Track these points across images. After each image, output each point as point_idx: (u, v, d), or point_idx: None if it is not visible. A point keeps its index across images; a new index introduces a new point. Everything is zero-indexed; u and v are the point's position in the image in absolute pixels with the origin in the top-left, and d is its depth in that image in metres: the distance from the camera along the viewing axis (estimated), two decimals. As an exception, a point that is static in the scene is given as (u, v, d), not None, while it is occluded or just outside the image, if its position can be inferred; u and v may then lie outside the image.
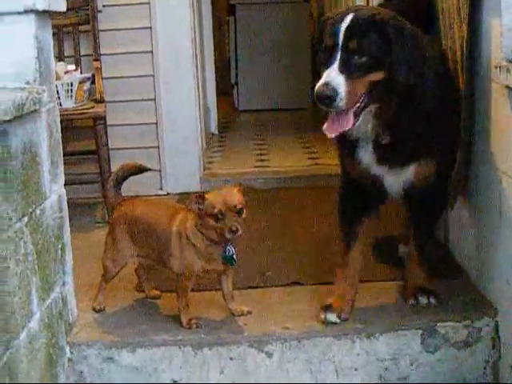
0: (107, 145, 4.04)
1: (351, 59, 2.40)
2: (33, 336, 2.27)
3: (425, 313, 2.73)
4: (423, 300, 2.79)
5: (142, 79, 4.60)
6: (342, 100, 2.37)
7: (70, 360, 2.64)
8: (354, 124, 2.47)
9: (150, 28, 4.57)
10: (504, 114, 2.48)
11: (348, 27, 2.43)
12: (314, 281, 3.09)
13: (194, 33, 4.76)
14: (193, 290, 2.77)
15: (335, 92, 2.35)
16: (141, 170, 2.97)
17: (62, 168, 2.70)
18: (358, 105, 2.44)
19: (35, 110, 2.34)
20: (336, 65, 2.39)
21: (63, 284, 2.66)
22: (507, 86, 2.39)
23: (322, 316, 2.70)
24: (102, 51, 4.40)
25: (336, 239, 2.93)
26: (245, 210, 2.60)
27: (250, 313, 2.79)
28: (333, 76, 2.37)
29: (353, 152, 2.71)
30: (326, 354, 2.65)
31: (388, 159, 2.66)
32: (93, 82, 4.24)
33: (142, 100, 4.62)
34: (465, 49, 2.66)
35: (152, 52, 4.59)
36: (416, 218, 2.93)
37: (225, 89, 8.88)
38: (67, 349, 2.64)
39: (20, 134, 2.25)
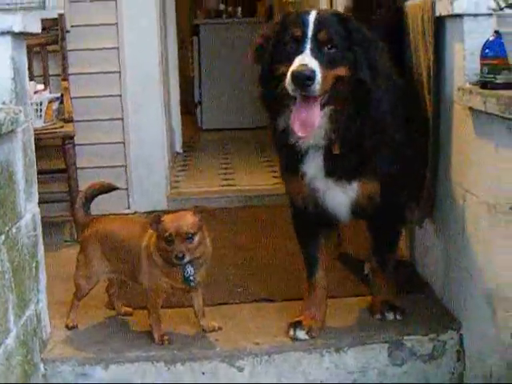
0: (75, 164, 4.06)
1: (321, 49, 2.44)
2: (9, 353, 2.30)
3: (391, 327, 2.81)
4: (389, 315, 2.86)
5: (110, 99, 4.64)
6: (318, 83, 2.38)
7: (43, 376, 2.67)
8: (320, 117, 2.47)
9: (118, 48, 4.61)
10: (467, 133, 2.58)
11: (316, 19, 2.47)
12: (282, 297, 3.15)
13: (162, 53, 4.82)
14: (166, 307, 2.82)
15: (313, 73, 2.37)
16: (109, 188, 3.01)
17: (35, 187, 2.74)
18: (321, 99, 2.46)
19: (12, 130, 2.38)
20: (308, 52, 2.41)
21: (37, 301, 2.69)
22: (470, 108, 2.49)
23: (292, 333, 2.76)
24: (71, 71, 4.43)
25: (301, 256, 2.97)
26: (198, 235, 2.62)
27: (220, 329, 2.84)
28: (308, 60, 2.39)
29: (298, 164, 2.68)
30: (296, 367, 2.71)
31: (336, 172, 2.65)
32: (61, 102, 4.27)
33: (110, 119, 4.66)
34: (431, 72, 2.75)
35: (120, 72, 4.63)
36: (373, 235, 2.97)
37: (188, 108, 8.94)
38: (41, 365, 2.66)
39: (-3, 153, 2.29)
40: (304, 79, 2.37)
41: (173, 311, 2.91)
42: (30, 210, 2.63)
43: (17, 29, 2.45)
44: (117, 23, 4.60)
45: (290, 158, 2.69)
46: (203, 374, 2.69)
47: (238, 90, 8.35)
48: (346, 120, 2.53)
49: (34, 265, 2.65)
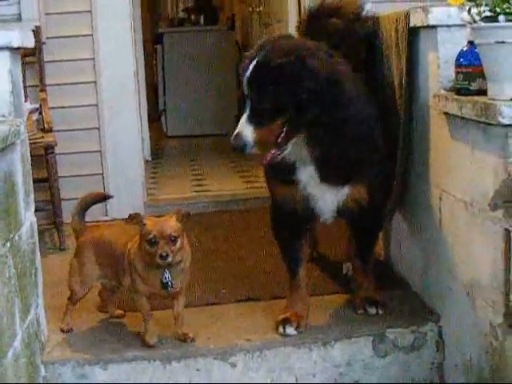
0: (57, 173, 4.16)
1: (257, 109, 2.59)
2: (17, 355, 2.40)
3: (374, 321, 2.96)
4: (372, 310, 3.02)
5: (86, 109, 4.74)
6: (252, 148, 2.59)
7: (44, 378, 2.76)
8: (280, 154, 2.66)
9: (94, 59, 4.71)
10: (443, 137, 2.75)
11: (250, 78, 2.61)
12: (266, 296, 3.28)
13: (136, 63, 4.93)
14: (161, 309, 2.94)
15: (244, 142, 2.57)
16: (104, 197, 3.13)
17: (32, 196, 2.84)
18: (280, 139, 2.63)
19: (13, 142, 2.48)
20: (246, 115, 2.60)
21: (37, 306, 2.78)
22: (445, 113, 2.67)
23: (281, 329, 2.90)
24: (47, 82, 4.52)
25: (280, 257, 3.12)
26: (180, 239, 2.72)
27: (193, 340, 2.87)
28: (242, 128, 2.59)
29: (290, 173, 2.82)
30: (286, 362, 2.85)
31: (329, 177, 2.80)
32: (40, 113, 4.36)
33: (87, 129, 4.76)
34: (404, 79, 2.92)
35: (95, 82, 4.74)
36: (356, 235, 3.15)
37: (153, 115, 9.03)
38: (42, 368, 2.76)
39: (2, 164, 2.39)
40: (238, 150, 2.61)
41: (167, 312, 3.00)
42: (28, 218, 2.73)
43: (15, 44, 2.56)
44: (92, 34, 4.70)
45: (282, 169, 2.82)
46: (198, 370, 2.81)
47: (202, 97, 8.47)
48: (320, 141, 2.69)
49: (33, 271, 2.75)
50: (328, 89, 2.61)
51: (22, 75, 2.83)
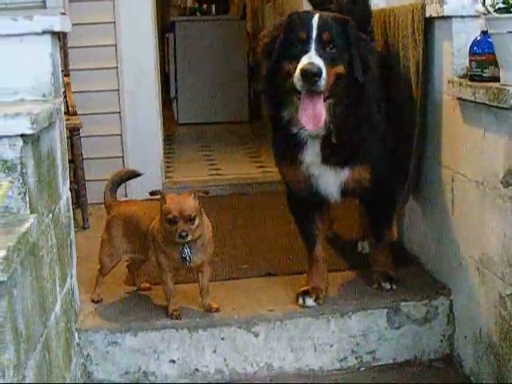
0: (82, 154, 4.33)
1: (324, 49, 2.74)
2: (57, 320, 2.57)
3: (389, 295, 3.14)
4: (386, 285, 3.18)
5: (108, 93, 4.91)
6: (324, 80, 2.68)
7: (78, 345, 2.94)
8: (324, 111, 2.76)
9: (115, 46, 4.88)
10: (455, 121, 2.92)
11: (319, 22, 2.77)
12: (285, 272, 3.46)
13: (156, 50, 5.10)
14: (188, 282, 3.13)
15: (320, 70, 2.67)
16: (134, 175, 3.30)
17: (68, 172, 3.02)
18: (324, 94, 2.75)
19: (55, 120, 2.66)
20: (313, 51, 2.71)
21: (71, 276, 2.96)
22: (459, 98, 2.83)
23: (301, 301, 3.07)
24: (71, 67, 4.68)
25: (297, 235, 3.30)
26: (198, 218, 2.87)
27: (218, 310, 3.04)
28: (314, 58, 2.69)
29: (297, 152, 2.96)
30: (306, 332, 3.03)
31: (331, 158, 2.93)
32: (64, 96, 4.52)
33: (108, 113, 4.93)
34: (420, 67, 3.08)
35: (117, 68, 4.90)
36: (368, 214, 3.31)
37: (164, 102, 9.17)
38: (76, 334, 2.93)
39: (46, 140, 2.56)
40: (312, 76, 2.66)
41: (193, 285, 3.17)
42: (65, 193, 2.91)
43: (57, 28, 2.72)
44: (114, 22, 4.86)
45: (290, 147, 2.98)
46: (222, 339, 2.99)
47: (213, 85, 8.63)
48: (342, 112, 2.84)
49: (69, 242, 2.92)
50: (371, 59, 2.85)
51: (59, 58, 2.97)
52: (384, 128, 3.07)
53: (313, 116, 2.75)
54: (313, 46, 2.73)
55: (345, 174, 2.99)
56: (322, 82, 2.68)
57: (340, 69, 2.77)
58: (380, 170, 3.06)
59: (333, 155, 2.93)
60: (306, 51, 2.72)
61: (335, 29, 2.79)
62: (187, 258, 2.93)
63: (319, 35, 2.75)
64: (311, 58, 2.69)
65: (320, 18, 2.80)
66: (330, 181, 3.02)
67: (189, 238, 2.85)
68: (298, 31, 2.78)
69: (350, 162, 2.98)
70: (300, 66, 2.68)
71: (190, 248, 2.92)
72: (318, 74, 2.66)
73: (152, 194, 2.96)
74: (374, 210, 3.27)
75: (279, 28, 2.91)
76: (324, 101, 2.77)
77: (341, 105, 2.83)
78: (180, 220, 2.84)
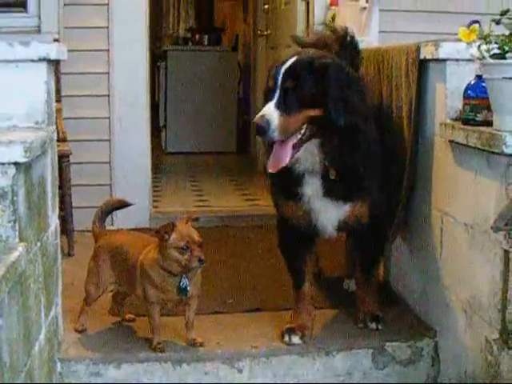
0: (70, 181, 4.31)
1: (287, 97, 2.75)
2: (41, 349, 2.54)
3: (374, 334, 3.13)
4: (372, 325, 3.17)
5: (99, 121, 4.91)
6: (274, 131, 2.71)
7: (60, 374, 2.90)
8: (292, 157, 2.79)
9: (108, 73, 4.89)
10: (447, 163, 2.94)
11: (286, 69, 2.79)
12: (271, 307, 3.44)
13: (148, 80, 5.11)
14: (172, 315, 3.11)
15: (268, 124, 2.70)
16: (123, 204, 3.29)
17: (57, 200, 3.00)
18: (298, 137, 2.77)
19: (48, 148, 2.65)
20: (273, 102, 2.75)
21: (56, 305, 2.93)
22: (451, 141, 2.85)
23: (286, 338, 3.05)
24: (63, 93, 4.68)
25: (284, 270, 3.28)
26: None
27: (202, 344, 3.02)
28: (268, 110, 2.73)
29: (295, 186, 2.96)
30: (291, 369, 3.00)
31: (332, 193, 2.93)
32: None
33: (98, 140, 4.92)
34: (413, 107, 3.11)
35: (108, 95, 4.91)
36: (359, 252, 3.30)
37: (152, 131, 9.17)
38: (58, 364, 2.90)
39: (38, 168, 2.55)
40: (258, 129, 2.73)
41: (178, 318, 3.15)
42: (54, 221, 2.89)
43: (53, 56, 2.72)
44: (108, 49, 4.87)
45: (287, 181, 2.98)
46: (206, 374, 2.96)
47: (203, 115, 8.64)
48: (334, 150, 2.84)
49: (55, 271, 2.90)
50: (356, 100, 2.82)
51: (54, 85, 2.96)
52: (382, 166, 3.07)
53: (274, 160, 2.80)
54: (276, 95, 2.77)
55: (345, 209, 2.99)
56: (273, 134, 2.72)
57: (312, 112, 2.77)
58: (378, 206, 3.07)
59: (333, 190, 2.93)
60: (270, 100, 2.77)
61: (306, 74, 2.79)
62: (186, 288, 2.91)
63: (283, 83, 2.78)
64: (264, 110, 2.75)
65: (290, 65, 2.81)
66: (330, 215, 3.01)
67: (205, 263, 2.85)
68: (269, 79, 2.85)
69: (351, 198, 2.98)
70: (254, 119, 2.76)
71: (187, 278, 2.91)
72: (264, 127, 2.71)
73: (164, 228, 2.90)
74: (365, 247, 3.25)
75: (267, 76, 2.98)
76: (303, 143, 2.80)
77: (331, 144, 2.83)
78: (193, 245, 2.84)
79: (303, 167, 2.90)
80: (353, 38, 3.38)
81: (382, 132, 3.22)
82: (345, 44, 3.35)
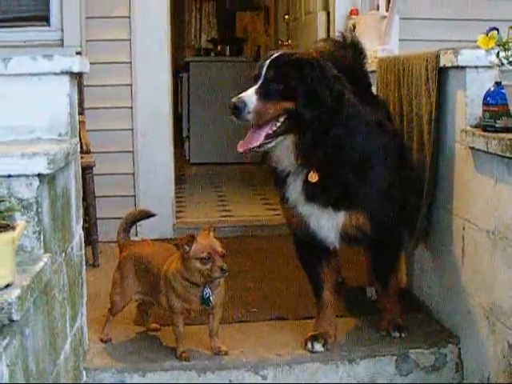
0: (94, 192, 4.36)
1: (268, 86, 2.80)
2: (67, 358, 2.58)
3: (397, 342, 3.13)
4: (395, 333, 3.17)
5: (122, 132, 4.96)
6: (249, 113, 2.75)
7: (85, 383, 2.94)
8: (262, 144, 2.82)
9: (131, 85, 4.94)
10: (467, 170, 2.94)
11: (271, 61, 2.86)
12: (295, 316, 3.46)
13: (171, 91, 5.16)
14: (196, 324, 3.14)
15: (243, 104, 2.74)
16: (147, 215, 3.32)
17: (81, 211, 3.04)
18: (273, 129, 2.79)
19: (71, 160, 2.69)
20: (254, 88, 2.80)
21: (81, 315, 2.97)
22: (471, 147, 2.85)
23: (309, 346, 3.07)
24: (86, 105, 4.74)
25: (306, 279, 3.28)
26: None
27: (226, 353, 3.04)
28: (246, 94, 2.78)
29: (282, 189, 2.99)
30: (314, 377, 3.01)
31: (316, 199, 2.91)
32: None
33: (121, 152, 4.98)
34: (433, 114, 3.12)
35: (132, 107, 4.96)
36: (373, 261, 3.31)
37: (176, 142, 9.23)
38: (84, 373, 2.93)
39: (61, 179, 2.60)
40: (232, 108, 2.77)
41: (202, 327, 3.16)
42: (78, 232, 2.93)
43: (75, 69, 2.77)
44: (130, 62, 4.93)
45: (278, 183, 3.03)
46: (230, 382, 2.98)
47: (225, 125, 8.64)
48: (305, 148, 2.83)
49: (80, 281, 2.94)
50: (333, 98, 2.82)
51: (76, 97, 3.01)
52: (388, 176, 3.02)
53: (244, 141, 2.86)
54: (259, 82, 2.82)
55: (340, 218, 2.96)
56: (247, 116, 2.75)
57: (287, 104, 2.80)
58: (381, 217, 3.01)
59: (317, 195, 2.92)
60: (252, 87, 2.82)
61: (287, 67, 2.84)
62: (210, 298, 2.94)
63: (266, 72, 2.83)
64: (244, 93, 2.79)
65: (275, 57, 2.87)
66: (323, 223, 2.99)
67: (227, 273, 2.87)
68: (255, 70, 2.90)
69: (345, 206, 2.95)
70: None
71: (210, 289, 2.93)
72: (239, 107, 2.74)
73: (186, 239, 2.93)
74: (377, 257, 3.25)
75: None
76: (277, 135, 2.81)
77: (302, 141, 2.82)
78: (215, 256, 2.86)
79: (283, 167, 2.92)
80: (356, 40, 3.41)
81: (401, 140, 3.23)
82: (348, 46, 3.38)
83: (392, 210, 3.07)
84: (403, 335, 3.16)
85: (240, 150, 2.87)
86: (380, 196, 3.00)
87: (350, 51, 3.34)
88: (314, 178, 2.88)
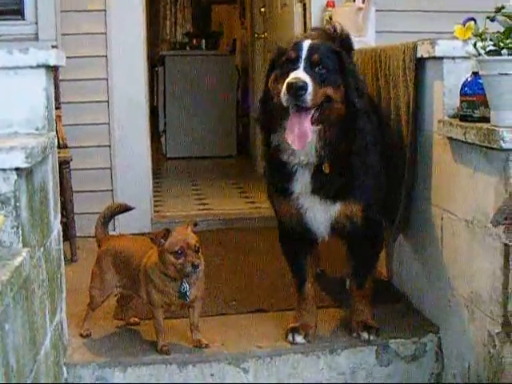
0: (71, 187, 4.33)
1: (313, 68, 2.75)
2: (47, 353, 2.56)
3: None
4: (365, 335, 3.08)
5: (99, 127, 4.93)
6: (310, 94, 2.67)
7: (66, 380, 2.92)
8: (312, 131, 2.72)
9: (107, 79, 4.91)
10: (445, 160, 2.95)
11: (311, 44, 2.81)
12: (275, 308, 3.46)
13: (147, 85, 5.13)
14: (177, 318, 3.14)
15: (305, 84, 2.66)
16: (125, 209, 3.30)
17: (59, 205, 3.02)
18: (314, 115, 2.73)
19: (49, 154, 2.67)
20: (301, 68, 2.73)
21: (61, 310, 2.95)
22: (449, 138, 2.87)
23: (290, 338, 3.07)
24: (62, 100, 4.70)
25: (285, 271, 3.30)
26: (200, 249, 2.90)
27: (207, 346, 3.03)
28: (301, 74, 2.70)
29: (287, 181, 2.93)
30: (295, 368, 3.02)
31: (322, 190, 2.89)
32: (55, 129, 4.53)
33: (98, 146, 4.94)
34: (411, 105, 3.12)
35: (108, 101, 4.93)
36: (353, 256, 3.21)
37: (152, 136, 9.19)
38: (64, 369, 2.91)
39: (39, 173, 2.57)
40: (297, 88, 2.66)
41: (183, 320, 3.16)
42: (56, 226, 2.91)
43: (52, 62, 2.74)
44: (106, 55, 4.90)
45: (280, 176, 2.96)
46: (212, 375, 2.98)
47: (202, 119, 8.67)
48: (334, 140, 2.81)
49: (59, 276, 2.92)
50: (364, 88, 2.89)
51: (53, 91, 2.98)
52: (379, 165, 3.05)
53: (299, 134, 2.72)
54: (302, 64, 2.74)
55: (336, 208, 2.94)
56: (308, 97, 2.67)
57: (329, 90, 2.76)
58: (372, 207, 3.02)
59: (324, 186, 2.89)
60: (295, 69, 2.74)
61: (326, 53, 2.81)
62: (187, 292, 2.92)
63: (309, 56, 2.76)
64: (297, 74, 2.70)
65: (312, 42, 2.83)
66: (320, 215, 2.97)
67: (199, 268, 2.86)
68: (287, 53, 2.82)
69: (342, 197, 2.93)
70: (286, 80, 2.69)
71: (187, 283, 2.92)
72: (304, 87, 2.65)
73: (161, 234, 2.92)
74: (361, 251, 3.16)
75: (271, 55, 2.99)
76: (313, 123, 2.75)
77: (332, 132, 2.80)
78: (188, 251, 2.85)
79: (298, 159, 2.87)
80: (346, 33, 3.38)
81: (380, 129, 3.23)
82: (335, 37, 3.31)
83: (381, 200, 3.10)
84: (372, 337, 3.06)
85: (299, 147, 2.74)
86: (372, 184, 3.01)
87: (339, 43, 3.32)
88: (327, 168, 2.85)
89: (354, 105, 2.78)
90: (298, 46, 2.80)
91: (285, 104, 2.71)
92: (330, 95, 2.77)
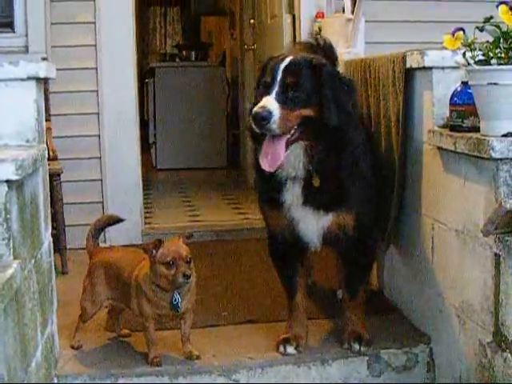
0: (62, 199, 4.32)
1: (286, 92, 2.73)
2: (38, 365, 2.55)
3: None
4: (356, 346, 3.05)
5: (89, 139, 4.93)
6: (275, 123, 2.66)
7: (57, 391, 2.91)
8: (285, 154, 2.74)
9: (97, 91, 4.91)
10: (435, 170, 2.97)
11: (286, 66, 2.78)
12: (266, 319, 3.46)
13: (137, 97, 5.14)
14: (168, 329, 3.13)
15: (270, 114, 2.66)
16: (116, 220, 3.30)
17: (50, 217, 3.01)
18: (290, 137, 2.73)
19: (39, 166, 2.66)
20: (273, 95, 2.72)
21: (52, 322, 2.94)
22: (439, 147, 2.88)
23: (282, 348, 3.06)
24: (52, 112, 4.70)
25: (276, 282, 3.29)
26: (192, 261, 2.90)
27: (198, 357, 3.02)
28: (269, 102, 2.70)
29: (277, 194, 2.91)
30: (286, 379, 3.01)
31: (313, 201, 2.88)
32: (45, 141, 4.52)
33: (88, 158, 4.94)
34: (400, 115, 3.14)
35: (98, 113, 4.93)
36: (345, 267, 3.20)
37: (142, 148, 9.18)
38: (55, 380, 2.90)
39: (29, 185, 2.57)
40: (259, 119, 2.68)
41: (174, 332, 3.15)
42: (47, 238, 2.90)
43: (42, 75, 2.74)
44: (96, 68, 4.90)
45: (270, 187, 2.95)
46: (204, 386, 2.98)
47: (192, 131, 8.66)
48: (320, 154, 2.81)
49: (50, 288, 2.91)
50: (347, 103, 2.82)
51: (43, 103, 2.98)
52: (369, 176, 3.05)
53: (270, 158, 2.74)
54: (275, 89, 2.74)
55: (328, 218, 2.94)
56: (273, 126, 2.67)
57: (306, 111, 2.75)
58: (364, 218, 3.02)
59: (315, 198, 2.89)
60: (268, 94, 2.74)
61: (304, 72, 2.79)
62: (178, 304, 2.92)
63: (283, 79, 2.75)
64: (265, 102, 2.70)
65: (289, 62, 2.81)
66: (312, 226, 2.96)
67: (191, 279, 2.86)
68: (267, 74, 2.83)
69: (334, 208, 2.93)
70: (253, 110, 2.71)
71: (179, 294, 2.92)
72: (267, 117, 2.66)
73: (151, 247, 2.92)
74: (353, 262, 3.14)
75: (260, 72, 2.98)
76: (292, 142, 2.76)
77: (318, 147, 2.80)
78: (179, 262, 2.84)
79: (286, 173, 2.87)
80: (328, 43, 3.40)
81: (370, 141, 3.25)
82: (318, 48, 3.36)
83: (372, 211, 3.10)
84: (363, 349, 3.05)
85: (270, 170, 2.76)
86: (364, 194, 3.00)
87: (322, 54, 3.32)
88: (316, 182, 2.86)
89: (332, 121, 2.76)
90: (275, 68, 2.80)
91: (256, 131, 2.75)
92: (307, 115, 2.76)
